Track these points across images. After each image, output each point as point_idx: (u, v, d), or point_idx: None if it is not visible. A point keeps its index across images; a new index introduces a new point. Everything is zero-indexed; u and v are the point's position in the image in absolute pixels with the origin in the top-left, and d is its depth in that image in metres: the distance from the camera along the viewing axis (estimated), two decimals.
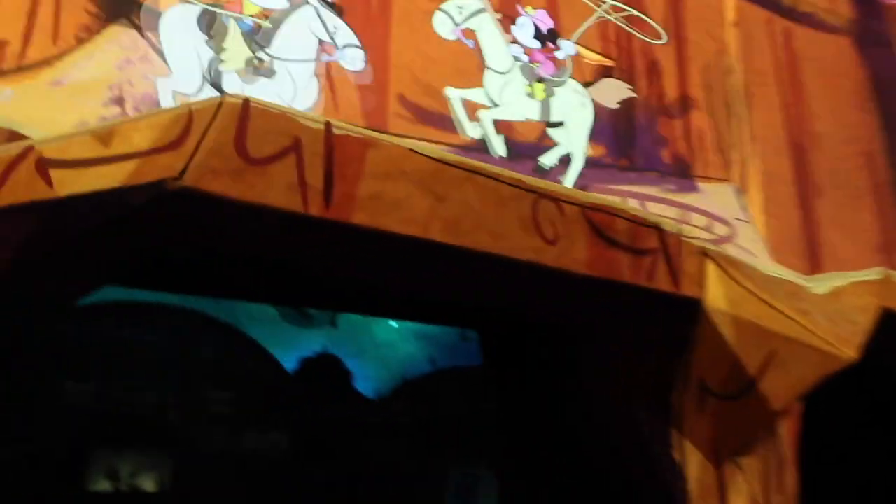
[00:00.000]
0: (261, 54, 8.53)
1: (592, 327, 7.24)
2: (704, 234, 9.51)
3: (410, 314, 9.59)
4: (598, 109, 10.47)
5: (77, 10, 7.27)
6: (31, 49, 6.74)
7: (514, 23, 10.55)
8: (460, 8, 10.32)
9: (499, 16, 10.75)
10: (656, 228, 6.54)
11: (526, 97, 11.00)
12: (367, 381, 22.46)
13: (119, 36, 7.38)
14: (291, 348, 21.48)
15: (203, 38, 8.02)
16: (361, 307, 10.34)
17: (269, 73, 8.50)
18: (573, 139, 10.83)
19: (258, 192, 4.83)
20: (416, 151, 5.47)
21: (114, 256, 5.10)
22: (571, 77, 11.05)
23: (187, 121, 4.76)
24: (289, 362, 19.74)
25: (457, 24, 10.21)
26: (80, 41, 7.06)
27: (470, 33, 10.57)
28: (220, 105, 4.88)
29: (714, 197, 10.12)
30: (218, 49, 8.13)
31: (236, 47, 8.03)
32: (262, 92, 8.03)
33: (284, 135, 5.02)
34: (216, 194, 4.66)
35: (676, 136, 10.55)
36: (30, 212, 4.27)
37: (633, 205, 8.22)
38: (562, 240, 5.93)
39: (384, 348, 23.99)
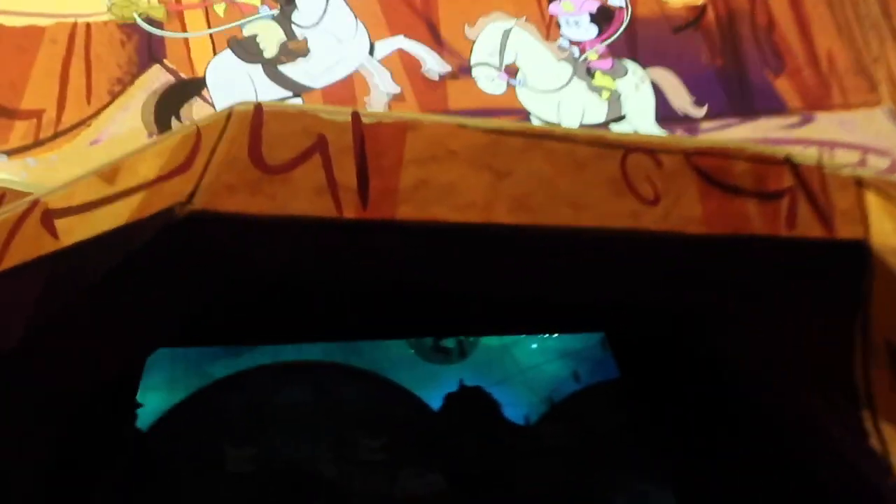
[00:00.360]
0: (294, 28, 7.78)
1: (730, 302, 5.85)
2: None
3: (519, 325, 8.50)
4: (688, 61, 8.62)
5: (108, 66, 7.04)
6: (66, 114, 6.58)
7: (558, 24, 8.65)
8: (490, 52, 8.48)
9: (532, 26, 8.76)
10: (788, 163, 5.12)
11: (589, 104, 8.92)
12: (515, 407, 21.44)
13: (152, 82, 7.05)
14: (434, 386, 20.91)
15: (246, 62, 7.51)
16: (458, 327, 9.40)
17: (304, 52, 7.61)
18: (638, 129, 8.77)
19: (280, 202, 4.08)
20: (464, 126, 4.55)
21: (150, 308, 4.56)
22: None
23: (195, 139, 4.12)
24: (434, 400, 19.15)
25: (499, 69, 8.57)
26: (114, 95, 6.81)
27: (514, 67, 8.60)
28: (229, 116, 4.21)
29: (863, 126, 8.15)
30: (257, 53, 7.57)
31: (269, 36, 7.40)
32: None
33: (305, 134, 4.25)
34: (234, 213, 3.97)
35: (800, 66, 8.67)
36: (36, 269, 3.73)
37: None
38: (665, 197, 4.70)
39: (529, 371, 22.87)
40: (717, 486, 7.93)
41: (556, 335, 23.31)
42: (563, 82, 8.92)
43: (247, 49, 7.19)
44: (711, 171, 4.89)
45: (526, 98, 8.21)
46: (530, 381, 22.50)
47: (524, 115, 7.63)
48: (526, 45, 9.16)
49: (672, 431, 8.75)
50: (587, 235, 4.49)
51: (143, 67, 6.85)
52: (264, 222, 3.97)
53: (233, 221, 3.93)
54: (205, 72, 7.55)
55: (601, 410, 19.80)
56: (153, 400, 18.83)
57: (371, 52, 7.40)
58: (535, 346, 23.49)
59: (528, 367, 22.79)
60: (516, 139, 4.55)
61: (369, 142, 4.26)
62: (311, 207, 4.06)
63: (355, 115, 4.36)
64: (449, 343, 22.20)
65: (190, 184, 3.93)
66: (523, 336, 23.09)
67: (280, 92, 7.57)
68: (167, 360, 19.82)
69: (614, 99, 9.14)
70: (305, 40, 7.49)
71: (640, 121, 8.77)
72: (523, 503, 16.81)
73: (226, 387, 18.53)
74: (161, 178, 3.99)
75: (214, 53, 7.63)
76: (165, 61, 6.90)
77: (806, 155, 5.20)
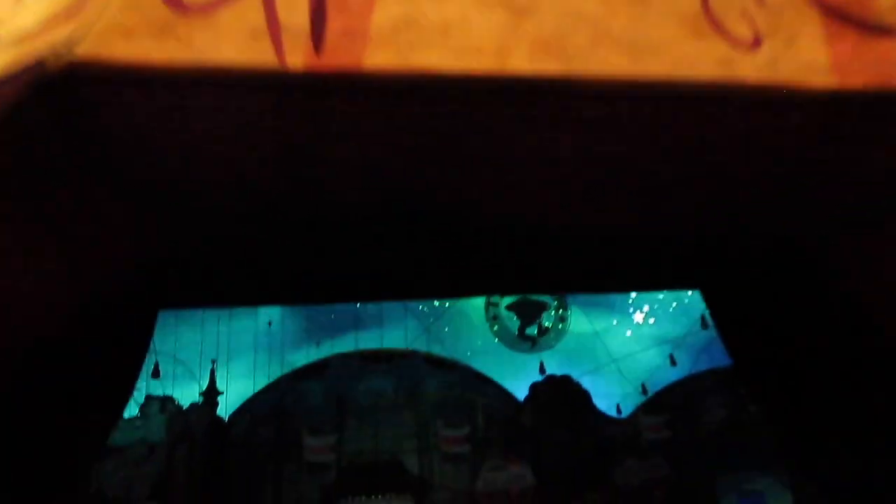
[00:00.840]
0: None
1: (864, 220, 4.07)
2: None
3: (603, 279, 6.80)
4: None
5: None
6: None
7: None
8: None
9: None
10: None
11: None
12: (607, 398, 19.53)
13: None
14: (520, 375, 19.39)
15: None
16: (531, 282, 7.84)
17: None
18: None
19: (200, 49, 2.84)
20: None
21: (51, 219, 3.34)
22: None
23: None
24: (519, 390, 17.62)
25: None
26: None
27: None
28: None
29: None
30: None
31: None
32: None
33: None
34: (130, 64, 2.76)
35: None
36: None
37: None
38: (769, 38, 3.13)
39: (622, 361, 20.89)
40: (857, 489, 5.99)
41: (651, 321, 21.29)
42: None
43: None
44: (841, 5, 3.23)
45: None
46: (624, 370, 20.58)
47: None
48: None
49: (791, 421, 6.80)
50: (652, 93, 2.96)
51: None
52: (174, 77, 2.72)
53: (130, 78, 2.70)
54: None
55: (704, 401, 17.60)
56: (235, 387, 18.49)
57: None
58: (628, 333, 21.53)
59: (622, 356, 20.84)
60: None
61: None
62: (243, 55, 2.78)
63: None
64: (535, 331, 20.69)
65: (77, 29, 2.75)
66: (615, 323, 21.23)
67: None
68: (250, 349, 19.48)
69: None
70: None
71: None
72: (616, 500, 15.00)
73: (307, 375, 17.89)
74: (45, 28, 2.84)
75: None
76: None
77: None
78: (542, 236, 4.88)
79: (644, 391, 18.55)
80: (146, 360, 6.55)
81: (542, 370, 17.09)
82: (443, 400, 17.52)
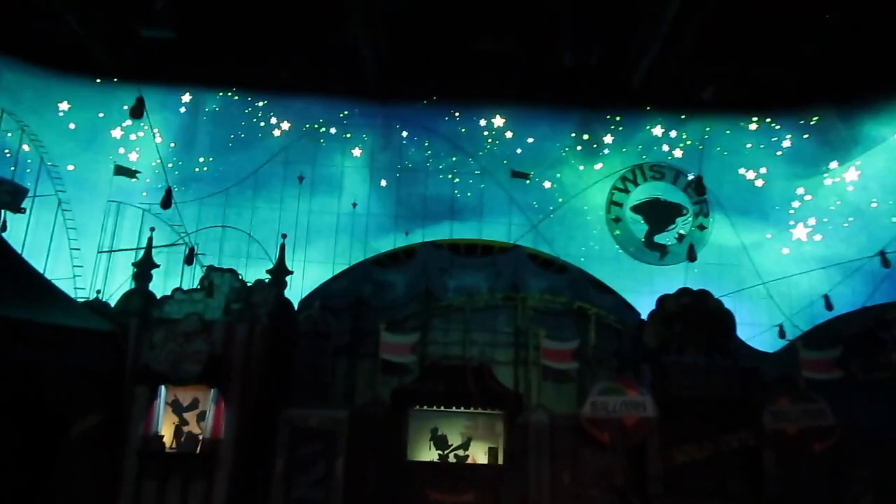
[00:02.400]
0: None
1: None
2: None
3: None
4: None
5: None
6: None
7: None
8: None
9: None
10: None
11: None
12: (752, 327, 16.03)
13: None
14: (642, 290, 16.16)
15: None
16: None
17: None
18: None
19: None
20: None
21: None
22: None
23: None
24: (642, 305, 14.46)
25: None
26: None
27: None
28: None
29: None
30: None
31: None
32: None
33: None
34: None
35: None
36: None
37: None
38: None
39: (774, 284, 17.07)
40: None
41: (817, 238, 17.16)
42: None
43: None
44: None
45: None
46: (777, 296, 16.78)
47: None
48: None
49: None
50: None
51: None
52: None
53: None
54: None
55: (883, 337, 13.79)
56: (311, 272, 16.41)
57: None
58: (785, 251, 17.41)
59: (774, 277, 17.03)
60: None
61: None
62: None
63: None
64: (666, 239, 17.20)
65: None
66: (769, 237, 17.27)
67: None
68: (330, 231, 17.27)
69: None
70: None
71: None
72: (760, 451, 11.72)
73: (390, 263, 15.45)
74: None
75: None
76: None
77: None
78: None
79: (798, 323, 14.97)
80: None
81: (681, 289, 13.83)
82: (548, 306, 14.72)
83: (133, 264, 13.34)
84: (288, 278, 13.47)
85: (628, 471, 11.83)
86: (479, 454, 12.07)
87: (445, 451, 11.68)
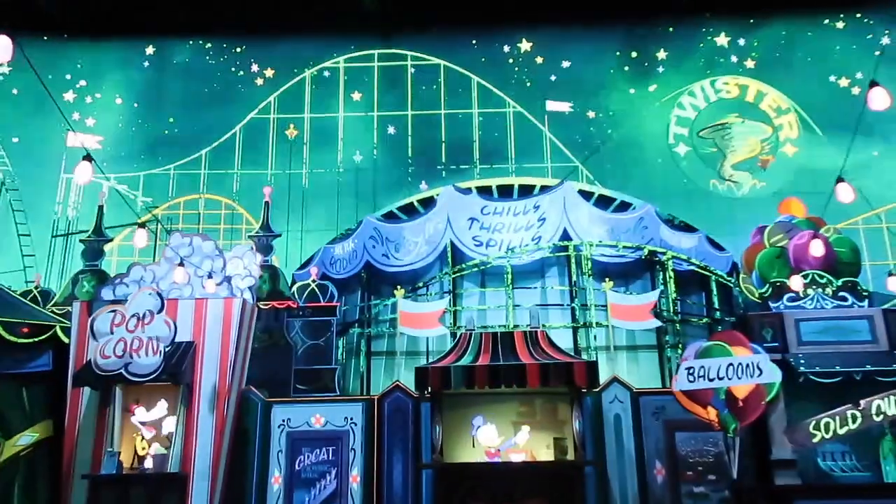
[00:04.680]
0: None
1: None
2: None
3: None
4: None
5: None
6: None
7: None
8: None
9: None
10: None
11: None
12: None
13: None
14: (726, 228, 12.99)
15: None
16: None
17: None
18: None
19: None
20: None
21: None
22: None
23: None
24: (727, 245, 11.16)
25: None
26: None
27: None
28: None
29: None
30: None
31: None
32: None
33: None
34: None
35: None
36: None
37: None
38: None
39: (892, 213, 13.71)
40: None
41: None
42: None
43: None
44: None
45: None
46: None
47: None
48: None
49: None
50: None
51: None
52: None
53: None
54: None
55: None
56: (310, 242, 13.61)
57: None
58: None
59: (889, 204, 13.55)
60: None
61: None
62: None
63: None
64: (748, 165, 13.69)
65: None
66: (877, 154, 13.95)
67: None
68: (331, 191, 14.48)
69: None
70: None
71: None
72: None
73: (402, 213, 12.48)
74: None
75: None
76: None
77: None
78: None
79: None
80: None
81: None
82: (609, 254, 11.63)
83: (80, 240, 10.70)
84: (282, 250, 10.75)
85: (745, 460, 8.70)
86: (538, 449, 9.06)
87: (494, 448, 8.70)
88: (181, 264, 9.14)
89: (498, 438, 8.85)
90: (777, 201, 13.84)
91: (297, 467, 9.02)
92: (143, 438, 8.91)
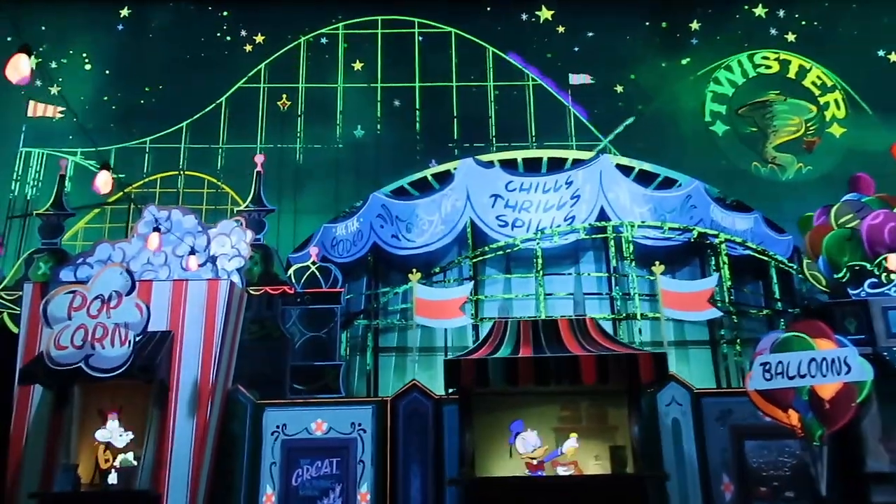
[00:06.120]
0: None
1: None
2: None
3: None
4: None
5: None
6: None
7: None
8: None
9: None
10: None
11: None
12: None
13: None
14: (772, 215, 11.82)
15: None
16: None
17: None
18: None
19: None
20: None
21: None
22: None
23: None
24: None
25: None
26: None
27: None
28: None
29: None
30: None
31: None
32: None
33: None
34: None
35: None
36: None
37: None
38: None
39: None
40: None
41: None
42: None
43: None
44: None
45: None
46: None
47: None
48: None
49: None
50: None
51: None
52: None
53: None
54: None
55: None
56: (306, 224, 12.19)
57: None
58: None
59: None
60: None
61: None
62: None
63: None
64: (792, 147, 12.58)
65: None
66: None
67: None
68: (329, 170, 13.05)
69: None
70: None
71: None
72: None
73: (413, 189, 11.14)
74: None
75: None
76: None
77: None
78: None
79: None
80: None
81: None
82: (653, 237, 10.27)
83: (37, 213, 9.17)
84: (272, 233, 9.32)
85: (832, 471, 7.31)
86: (584, 460, 7.61)
87: (537, 459, 7.23)
88: (157, 229, 7.63)
89: (541, 448, 7.44)
90: (825, 186, 12.84)
91: (294, 483, 7.76)
92: (106, 449, 7.41)
